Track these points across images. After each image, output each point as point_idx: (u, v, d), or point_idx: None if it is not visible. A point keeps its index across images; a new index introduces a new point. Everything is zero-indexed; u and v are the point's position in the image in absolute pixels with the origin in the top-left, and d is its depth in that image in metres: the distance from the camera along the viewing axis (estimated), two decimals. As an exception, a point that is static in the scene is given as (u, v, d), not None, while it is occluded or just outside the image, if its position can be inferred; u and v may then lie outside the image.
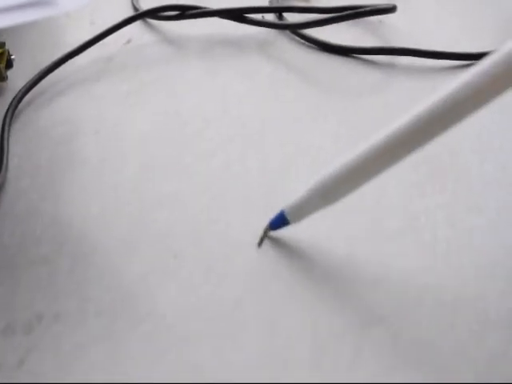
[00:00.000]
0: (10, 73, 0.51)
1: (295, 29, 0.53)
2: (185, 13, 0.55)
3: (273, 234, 0.38)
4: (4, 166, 0.43)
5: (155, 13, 0.55)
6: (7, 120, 0.46)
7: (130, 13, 0.57)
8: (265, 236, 0.38)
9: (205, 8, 0.55)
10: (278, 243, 0.38)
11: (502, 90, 0.31)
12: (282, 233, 0.38)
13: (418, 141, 0.33)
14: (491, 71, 0.31)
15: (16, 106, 0.48)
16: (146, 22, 0.57)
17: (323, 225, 0.38)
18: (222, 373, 0.32)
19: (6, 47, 0.51)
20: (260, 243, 0.38)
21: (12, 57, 0.51)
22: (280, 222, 0.37)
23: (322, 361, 0.32)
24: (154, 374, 0.32)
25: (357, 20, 0.55)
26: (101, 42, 0.54)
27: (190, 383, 0.31)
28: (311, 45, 0.54)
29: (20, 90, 0.49)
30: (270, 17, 0.56)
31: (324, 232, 0.38)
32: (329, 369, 0.32)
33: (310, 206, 0.36)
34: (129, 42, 0.55)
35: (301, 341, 0.33)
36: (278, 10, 0.56)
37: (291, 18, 0.56)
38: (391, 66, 0.51)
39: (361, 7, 0.54)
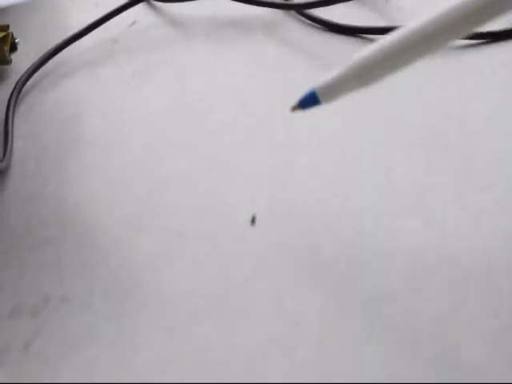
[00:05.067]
0: (14, 56, 0.51)
1: (301, 9, 0.53)
2: (189, -6, 0.55)
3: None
4: (9, 149, 0.42)
5: (159, -6, 0.55)
6: (12, 103, 0.46)
7: (134, -5, 0.57)
8: (293, 111, 0.37)
9: (209, -11, 0.55)
10: (283, 221, 0.37)
11: None
12: (285, 210, 0.38)
13: (451, 33, 0.32)
14: None
15: (20, 89, 0.48)
16: (151, 4, 0.57)
17: (331, 202, 0.38)
18: (229, 352, 0.32)
19: (10, 30, 0.50)
20: (253, 222, 0.38)
21: (16, 40, 0.51)
22: (310, 100, 0.36)
23: (332, 339, 0.32)
24: (161, 355, 0.32)
25: (363, 0, 0.55)
26: (105, 25, 0.54)
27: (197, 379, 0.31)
28: (317, 25, 0.53)
29: (24, 73, 0.48)
30: (275, -3, 0.56)
31: (332, 209, 0.38)
32: (338, 347, 0.32)
33: (343, 86, 0.35)
34: (133, 24, 0.55)
35: (310, 319, 0.33)
36: (284, -9, 0.55)
37: (297, -2, 0.56)
38: (398, 45, 0.50)
39: (367, -14, 0.54)
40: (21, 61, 0.51)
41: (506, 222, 0.37)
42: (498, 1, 0.31)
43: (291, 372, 0.31)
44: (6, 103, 0.47)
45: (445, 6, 0.32)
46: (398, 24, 0.52)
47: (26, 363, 0.32)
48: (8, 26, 0.50)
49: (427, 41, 0.33)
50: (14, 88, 0.47)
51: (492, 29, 0.50)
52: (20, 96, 0.47)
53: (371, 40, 0.50)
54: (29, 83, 0.49)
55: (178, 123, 0.45)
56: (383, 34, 0.51)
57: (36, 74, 0.49)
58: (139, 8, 0.56)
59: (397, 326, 0.32)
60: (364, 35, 0.51)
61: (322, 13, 0.53)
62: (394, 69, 0.34)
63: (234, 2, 0.55)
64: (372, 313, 0.33)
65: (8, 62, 0.49)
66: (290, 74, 0.48)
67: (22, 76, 0.48)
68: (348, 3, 0.54)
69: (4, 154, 0.42)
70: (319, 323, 0.33)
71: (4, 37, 0.49)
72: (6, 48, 0.49)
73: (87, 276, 0.35)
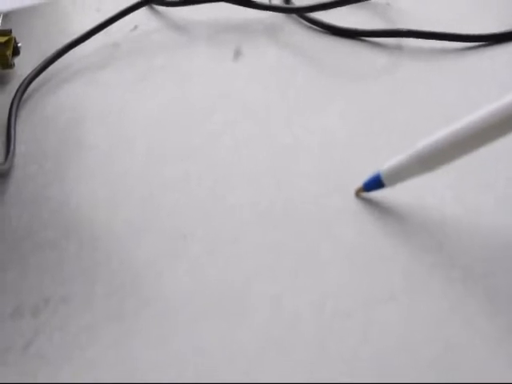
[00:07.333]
0: (16, 60, 0.51)
1: (302, 12, 0.53)
2: (191, -2, 0.55)
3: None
4: (11, 153, 0.43)
5: (161, -1, 0.55)
6: (14, 107, 0.46)
7: (136, -1, 0.57)
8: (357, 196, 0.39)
9: (211, -7, 0.55)
10: (283, 222, 0.37)
11: None
12: (285, 212, 0.38)
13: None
14: None
15: (23, 93, 0.48)
16: (152, 8, 0.57)
17: (330, 203, 0.38)
18: (229, 354, 0.32)
19: (13, 35, 0.51)
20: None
21: (19, 44, 0.51)
22: (375, 184, 0.38)
23: (328, 340, 0.32)
24: (161, 356, 0.32)
25: (364, 3, 0.55)
26: (107, 29, 0.54)
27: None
28: (318, 28, 0.53)
29: (26, 77, 0.49)
30: (276, 1, 0.56)
31: (331, 211, 0.38)
32: (334, 349, 0.32)
33: (408, 171, 0.37)
34: (135, 28, 0.55)
35: (307, 321, 0.33)
36: (285, -6, 0.55)
37: (298, 1, 0.56)
38: (398, 48, 0.50)
39: (368, -10, 0.54)
40: (23, 65, 0.51)
41: (505, 220, 0.37)
42: None
43: (289, 372, 0.31)
44: (8, 107, 0.47)
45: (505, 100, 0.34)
46: (398, 27, 0.52)
47: (26, 363, 0.32)
48: (11, 31, 0.50)
49: (486, 132, 0.35)
50: (17, 92, 0.47)
51: (493, 31, 0.50)
52: (22, 100, 0.48)
53: (372, 43, 0.51)
54: (31, 87, 0.49)
55: (180, 127, 0.45)
56: (384, 36, 0.51)
57: (38, 78, 0.49)
58: (141, 12, 0.56)
59: (395, 327, 0.32)
60: (365, 38, 0.51)
61: (323, 16, 0.53)
62: (456, 156, 0.36)
63: (235, 5, 0.55)
64: (370, 313, 0.33)
65: (11, 66, 0.50)
66: (292, 77, 0.48)
67: (25, 80, 0.48)
68: (349, 6, 0.54)
69: (6, 157, 0.42)
70: (316, 324, 0.33)
71: (7, 41, 0.50)
72: (9, 52, 0.49)
73: (88, 277, 0.36)
